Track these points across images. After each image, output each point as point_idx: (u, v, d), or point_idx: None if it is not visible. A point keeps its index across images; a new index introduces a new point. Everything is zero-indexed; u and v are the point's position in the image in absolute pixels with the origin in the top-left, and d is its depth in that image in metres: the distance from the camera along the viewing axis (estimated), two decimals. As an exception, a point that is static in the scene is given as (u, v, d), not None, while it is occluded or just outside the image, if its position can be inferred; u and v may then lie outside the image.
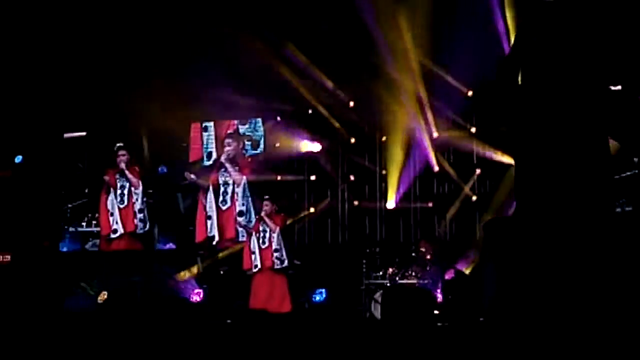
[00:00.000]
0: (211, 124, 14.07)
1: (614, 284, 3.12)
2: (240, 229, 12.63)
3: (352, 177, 13.35)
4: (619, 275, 3.16)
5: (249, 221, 12.48)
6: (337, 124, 13.34)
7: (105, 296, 12.09)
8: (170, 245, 13.57)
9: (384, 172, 13.24)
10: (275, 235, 11.17)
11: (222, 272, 12.61)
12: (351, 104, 13.04)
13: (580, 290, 3.07)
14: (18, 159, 13.59)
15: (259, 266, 11.25)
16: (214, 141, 13.97)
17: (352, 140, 13.36)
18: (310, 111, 13.31)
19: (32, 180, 13.70)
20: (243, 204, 12.93)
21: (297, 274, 12.04)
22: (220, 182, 13.16)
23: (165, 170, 13.73)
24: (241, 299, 11.59)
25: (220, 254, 12.90)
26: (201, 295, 12.13)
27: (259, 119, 13.79)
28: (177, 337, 7.69)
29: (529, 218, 3.20)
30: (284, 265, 11.13)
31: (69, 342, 7.36)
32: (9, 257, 12.53)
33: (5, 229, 13.05)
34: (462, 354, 5.51)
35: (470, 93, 12.25)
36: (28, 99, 12.96)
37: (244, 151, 13.64)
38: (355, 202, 13.36)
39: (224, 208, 13.11)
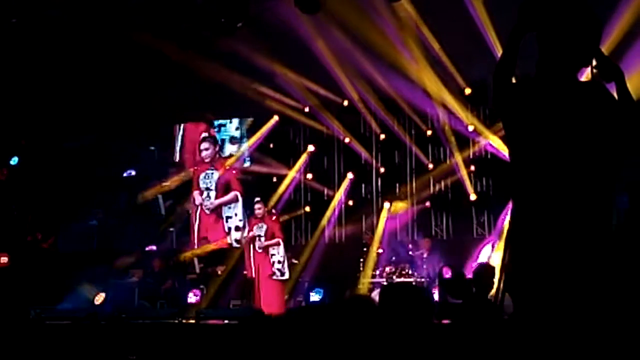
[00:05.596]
0: (181, 127, 14.18)
1: (613, 287, 3.12)
2: (234, 241, 12.88)
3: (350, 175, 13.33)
4: (618, 278, 3.17)
5: (244, 236, 12.68)
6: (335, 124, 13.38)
7: (103, 297, 12.11)
8: (152, 247, 13.65)
9: (381, 169, 13.25)
10: (279, 247, 11.15)
11: (219, 273, 12.63)
12: (345, 103, 13.05)
13: (580, 291, 3.07)
14: (14, 160, 13.62)
15: (256, 270, 11.25)
16: (181, 145, 14.10)
17: (347, 139, 13.36)
18: (307, 109, 13.33)
19: (29, 182, 13.72)
20: (240, 220, 13.09)
21: (294, 273, 12.07)
22: (202, 187, 13.28)
23: (132, 173, 13.91)
24: (238, 300, 11.61)
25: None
26: (198, 295, 12.14)
27: (237, 119, 13.89)
28: (174, 338, 7.70)
29: (525, 221, 3.19)
30: (283, 278, 11.12)
31: (66, 343, 7.35)
32: (6, 258, 12.55)
33: (1, 230, 13.08)
34: (460, 352, 5.51)
35: (467, 91, 12.26)
36: (23, 102, 12.94)
37: (220, 153, 13.73)
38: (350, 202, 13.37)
39: (207, 212, 13.25)
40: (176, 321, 9.63)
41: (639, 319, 3.36)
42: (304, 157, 13.62)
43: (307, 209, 13.64)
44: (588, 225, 3.08)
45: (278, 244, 11.14)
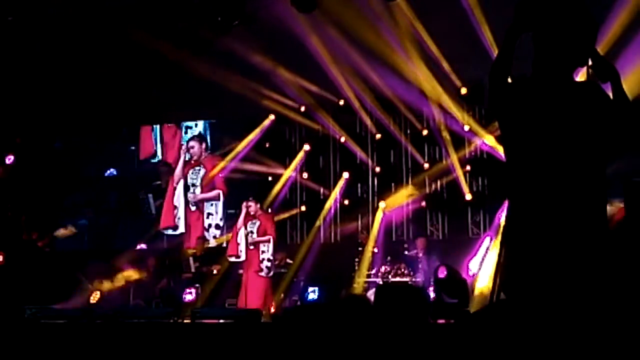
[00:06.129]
0: (157, 127, 14.32)
1: (609, 286, 3.12)
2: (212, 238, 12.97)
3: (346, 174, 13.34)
4: (614, 277, 3.18)
5: (222, 234, 12.74)
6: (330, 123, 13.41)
7: (98, 296, 12.11)
8: (142, 246, 13.67)
9: (377, 169, 13.25)
10: (269, 245, 11.12)
11: (215, 272, 12.62)
12: (341, 102, 13.05)
13: (576, 291, 3.08)
14: (9, 159, 13.63)
15: (243, 259, 11.26)
16: (159, 144, 14.28)
17: (343, 138, 13.37)
18: (303, 108, 13.34)
19: (24, 180, 13.72)
20: (221, 219, 13.13)
21: (289, 273, 12.07)
22: (189, 183, 13.34)
23: (114, 172, 14.02)
24: (233, 298, 11.59)
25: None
26: (194, 294, 12.13)
27: (202, 121, 13.93)
28: (170, 337, 7.68)
29: (521, 220, 3.20)
30: (269, 275, 11.09)
31: (63, 343, 7.34)
32: (1, 257, 12.55)
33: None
34: (455, 352, 5.51)
35: (463, 91, 12.26)
36: (18, 100, 12.92)
37: (207, 152, 13.79)
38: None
39: (193, 209, 13.31)
40: (171, 321, 9.61)
41: (635, 318, 3.37)
42: (299, 157, 13.62)
43: (303, 208, 13.64)
44: (583, 225, 3.08)
45: (269, 240, 11.12)
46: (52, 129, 14.22)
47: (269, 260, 11.06)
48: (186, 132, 14.09)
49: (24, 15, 11.00)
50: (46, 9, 10.90)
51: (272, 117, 13.56)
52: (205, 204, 13.39)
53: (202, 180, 13.40)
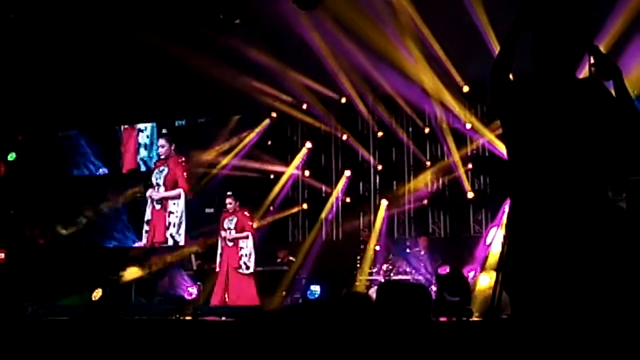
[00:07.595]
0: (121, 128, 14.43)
1: (611, 284, 3.12)
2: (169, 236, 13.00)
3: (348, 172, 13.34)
4: (616, 275, 3.17)
5: (178, 233, 12.76)
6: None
7: (100, 294, 12.11)
8: (139, 243, 13.68)
9: (379, 167, 13.25)
10: (247, 240, 11.11)
11: (217, 269, 12.63)
12: (343, 100, 13.04)
13: (578, 289, 3.07)
14: (11, 156, 13.66)
15: (222, 263, 11.23)
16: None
17: (345, 136, 13.37)
18: (305, 106, 13.34)
19: (26, 178, 13.74)
20: (177, 217, 13.13)
21: (291, 271, 12.08)
22: (154, 182, 13.37)
23: (106, 171, 14.05)
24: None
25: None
26: (195, 292, 12.14)
27: (150, 126, 14.00)
28: (172, 335, 7.69)
29: (523, 219, 3.19)
30: (249, 272, 11.06)
31: (65, 340, 7.35)
32: (3, 254, 12.57)
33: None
34: (457, 350, 5.52)
35: (465, 89, 12.25)
36: (20, 97, 12.94)
37: (175, 151, 13.77)
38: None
39: (157, 207, 13.33)
40: (173, 318, 9.64)
41: (637, 317, 3.36)
42: (301, 154, 13.62)
43: (305, 206, 13.64)
44: (585, 223, 3.08)
45: (247, 237, 11.12)
46: (53, 126, 14.23)
47: (246, 255, 11.06)
48: (138, 134, 14.17)
49: (25, 13, 11.01)
50: (47, 6, 10.91)
51: (273, 114, 13.55)
52: (168, 202, 13.38)
53: (164, 179, 13.41)
